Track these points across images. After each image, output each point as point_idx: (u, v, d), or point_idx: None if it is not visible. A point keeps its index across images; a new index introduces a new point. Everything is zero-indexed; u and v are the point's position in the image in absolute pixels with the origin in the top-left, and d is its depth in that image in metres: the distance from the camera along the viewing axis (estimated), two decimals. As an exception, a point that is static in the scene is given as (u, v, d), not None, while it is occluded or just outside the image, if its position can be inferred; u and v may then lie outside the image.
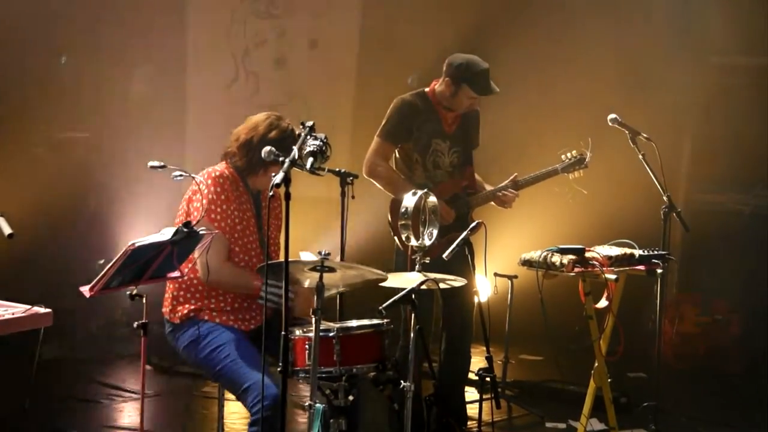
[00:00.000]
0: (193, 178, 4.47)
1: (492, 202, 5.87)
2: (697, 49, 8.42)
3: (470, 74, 5.63)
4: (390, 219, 5.72)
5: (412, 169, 5.74)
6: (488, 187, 5.89)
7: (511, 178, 5.83)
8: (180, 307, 4.62)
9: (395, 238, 5.66)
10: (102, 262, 4.16)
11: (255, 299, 4.62)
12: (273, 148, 4.16)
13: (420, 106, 5.74)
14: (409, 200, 4.63)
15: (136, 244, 3.98)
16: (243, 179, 4.73)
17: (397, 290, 4.37)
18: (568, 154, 5.80)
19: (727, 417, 6.51)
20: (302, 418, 5.68)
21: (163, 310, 4.70)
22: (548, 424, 6.44)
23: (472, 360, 5.96)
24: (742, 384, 7.36)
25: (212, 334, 4.54)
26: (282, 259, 3.94)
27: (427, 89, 5.81)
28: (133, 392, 6.71)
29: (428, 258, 4.63)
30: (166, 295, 4.70)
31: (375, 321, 4.39)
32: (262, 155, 4.17)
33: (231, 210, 4.64)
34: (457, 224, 5.58)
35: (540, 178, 5.83)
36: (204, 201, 4.54)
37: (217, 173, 4.66)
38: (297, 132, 4.60)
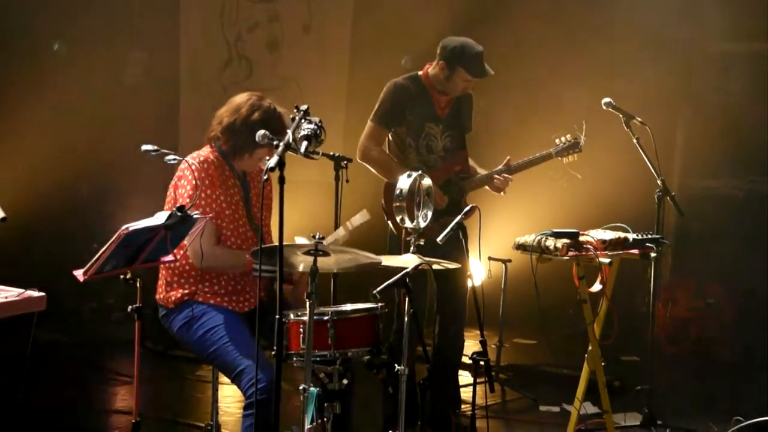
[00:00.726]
0: (187, 162, 4.46)
1: (486, 187, 5.87)
2: (691, 34, 8.41)
3: (465, 57, 5.62)
4: (383, 203, 5.72)
5: (406, 153, 5.73)
6: (482, 172, 5.89)
7: (505, 162, 5.82)
8: (173, 292, 4.60)
9: (389, 221, 5.65)
10: (96, 246, 4.13)
11: (248, 275, 4.59)
12: (267, 132, 4.16)
13: (413, 89, 5.73)
14: (403, 182, 4.62)
15: (130, 228, 3.97)
16: (228, 163, 4.70)
17: (391, 274, 4.37)
18: (562, 138, 5.79)
19: (719, 401, 6.53)
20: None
21: (157, 296, 4.69)
22: (542, 408, 6.46)
23: (465, 344, 5.98)
24: (734, 368, 7.38)
25: (206, 316, 4.52)
26: (274, 242, 3.93)
27: (420, 72, 5.79)
28: (126, 376, 6.70)
29: (422, 242, 4.63)
30: (159, 281, 4.68)
31: (369, 305, 4.39)
32: (257, 139, 4.17)
33: (217, 194, 4.61)
34: (450, 209, 5.58)
35: (534, 162, 5.81)
36: (188, 187, 4.52)
37: (202, 158, 4.62)
38: (279, 111, 4.61)
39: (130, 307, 4.28)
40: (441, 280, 5.65)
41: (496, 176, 5.79)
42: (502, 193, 5.84)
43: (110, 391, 6.54)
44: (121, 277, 4.20)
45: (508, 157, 5.83)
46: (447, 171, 5.78)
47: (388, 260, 4.50)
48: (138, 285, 4.22)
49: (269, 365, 4.18)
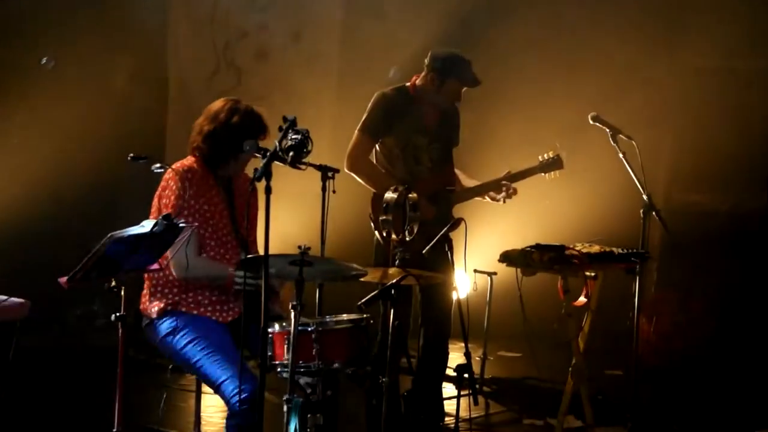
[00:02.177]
0: (171, 171, 4.45)
1: (480, 198, 5.88)
2: (678, 51, 8.45)
3: (457, 67, 5.66)
4: (371, 214, 5.72)
5: (393, 164, 5.74)
6: (470, 183, 5.90)
7: (504, 174, 5.84)
8: (157, 302, 4.58)
9: (376, 232, 5.65)
10: (81, 253, 4.12)
11: (231, 288, 4.59)
12: (255, 142, 4.16)
13: (400, 100, 5.74)
14: (390, 196, 4.62)
15: (115, 236, 3.96)
16: (212, 171, 4.69)
17: (376, 285, 4.36)
18: (545, 155, 5.85)
19: (702, 415, 6.54)
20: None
21: (140, 305, 4.66)
22: (526, 421, 6.46)
23: (450, 356, 5.97)
24: (717, 382, 7.40)
25: (189, 326, 4.50)
26: (259, 252, 3.93)
27: (407, 84, 5.81)
28: (109, 384, 6.64)
29: (408, 254, 4.63)
30: (143, 291, 4.66)
31: (354, 316, 4.39)
32: (244, 149, 4.16)
33: (201, 203, 4.60)
34: (437, 221, 5.58)
35: (517, 177, 5.85)
36: (172, 196, 4.50)
37: (186, 166, 4.61)
38: (257, 112, 4.62)
39: (114, 315, 4.26)
40: (426, 292, 5.65)
41: (500, 184, 5.82)
42: (501, 201, 5.83)
43: (93, 399, 6.50)
44: (105, 285, 4.19)
45: (507, 171, 5.85)
46: (434, 183, 5.78)
47: (374, 272, 4.50)
48: (122, 293, 4.21)
49: (253, 376, 4.17)
